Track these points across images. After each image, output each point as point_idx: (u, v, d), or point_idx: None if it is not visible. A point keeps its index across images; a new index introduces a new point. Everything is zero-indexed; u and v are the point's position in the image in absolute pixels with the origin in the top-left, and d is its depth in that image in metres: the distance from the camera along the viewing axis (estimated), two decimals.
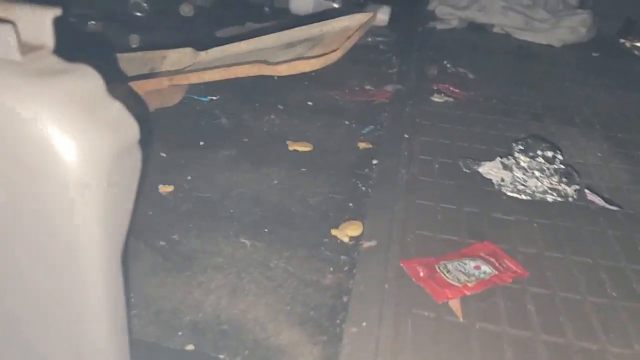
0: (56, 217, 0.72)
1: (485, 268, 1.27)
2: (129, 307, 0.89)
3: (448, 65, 2.71)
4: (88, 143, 0.69)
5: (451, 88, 2.46)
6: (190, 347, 1.01)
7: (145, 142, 0.78)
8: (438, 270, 1.25)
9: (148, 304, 1.07)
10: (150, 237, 1.25)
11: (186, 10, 3.30)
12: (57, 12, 0.74)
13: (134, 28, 2.86)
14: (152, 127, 1.59)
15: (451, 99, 2.35)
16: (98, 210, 0.73)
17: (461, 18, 3.60)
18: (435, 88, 2.44)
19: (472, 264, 1.28)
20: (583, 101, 2.41)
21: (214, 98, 2.10)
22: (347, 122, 2.03)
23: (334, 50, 1.20)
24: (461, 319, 1.12)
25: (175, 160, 1.63)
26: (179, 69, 1.50)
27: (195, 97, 2.09)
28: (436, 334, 1.08)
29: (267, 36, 1.51)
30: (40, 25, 0.73)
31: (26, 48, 0.70)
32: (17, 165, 0.70)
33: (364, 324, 1.07)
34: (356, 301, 1.13)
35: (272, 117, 2.00)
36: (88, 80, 0.72)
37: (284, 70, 1.21)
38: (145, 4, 3.25)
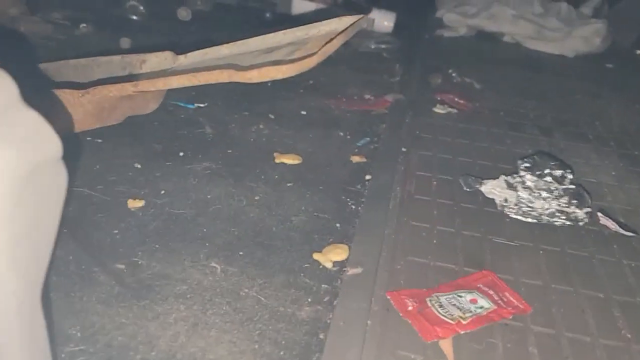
0: None
1: (482, 302, 1.13)
2: (53, 345, 0.77)
3: (453, 75, 2.58)
4: None
5: (455, 99, 2.32)
6: None
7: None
8: (429, 304, 1.11)
9: (96, 339, 0.94)
10: (108, 258, 1.12)
11: (184, 14, 3.20)
12: None
13: (128, 31, 2.76)
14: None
15: (455, 110, 2.22)
16: (9, 240, 0.61)
17: (470, 26, 3.47)
18: (438, 98, 2.31)
19: (469, 297, 1.14)
20: (596, 115, 2.27)
21: (201, 105, 1.98)
22: (341, 134, 1.90)
23: (311, 55, 1.08)
24: None
25: (149, 172, 1.51)
26: (147, 73, 1.38)
27: (181, 104, 1.97)
28: None
29: (251, 39, 1.39)
30: None
31: None
32: None
33: None
34: (333, 340, 0.99)
35: (261, 126, 1.87)
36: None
37: (254, 77, 1.09)
38: (142, 8, 3.16)
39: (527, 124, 2.15)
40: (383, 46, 3.09)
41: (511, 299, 1.16)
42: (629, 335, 1.09)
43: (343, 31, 1.18)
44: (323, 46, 1.09)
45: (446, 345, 1.01)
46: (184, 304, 1.05)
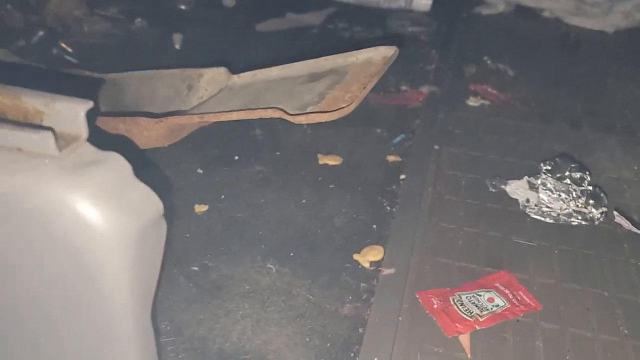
0: (93, 284, 0.83)
1: (498, 301, 1.31)
2: (159, 338, 1.00)
3: (488, 62, 2.66)
4: (116, 223, 0.79)
5: (488, 89, 2.43)
6: None
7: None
8: (452, 303, 1.30)
9: (181, 332, 1.19)
10: (184, 262, 1.36)
11: (228, 1, 3.36)
12: (89, 105, 0.83)
13: (178, 23, 2.95)
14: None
15: (487, 102, 2.33)
16: (130, 277, 0.84)
17: (508, 2, 3.49)
18: (472, 89, 2.42)
19: (487, 296, 1.33)
20: (627, 103, 2.33)
21: None
22: (378, 131, 2.07)
23: (349, 105, 1.24)
24: (469, 356, 1.18)
25: (210, 177, 1.73)
26: (205, 102, 1.58)
27: None
28: None
29: (296, 64, 1.55)
30: (75, 117, 0.82)
31: (63, 142, 0.80)
32: (62, 242, 0.80)
33: (376, 359, 1.15)
34: (370, 334, 1.21)
35: (305, 126, 2.06)
36: (117, 169, 0.82)
37: (302, 120, 1.27)
38: None
39: (557, 115, 2.24)
40: (420, 29, 3.17)
41: (524, 297, 1.34)
42: (626, 331, 1.26)
43: (376, 74, 1.33)
44: (359, 93, 1.26)
45: (465, 340, 1.21)
46: (248, 302, 1.29)
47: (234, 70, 1.97)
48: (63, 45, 2.51)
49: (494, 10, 3.56)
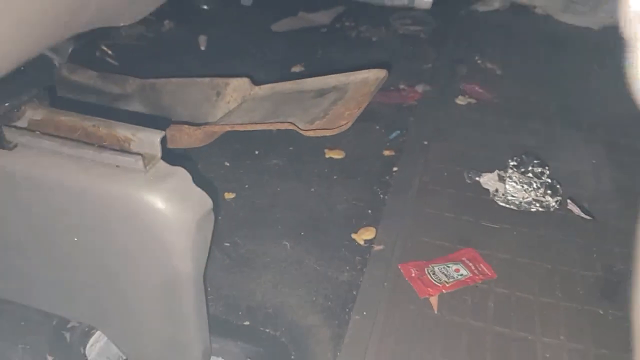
0: (167, 258, 1.20)
1: (463, 271, 1.68)
2: (207, 296, 1.38)
3: (479, 62, 2.97)
4: (183, 215, 1.16)
5: (476, 88, 2.74)
6: (246, 322, 1.51)
7: None
8: (426, 273, 1.67)
9: (219, 293, 1.57)
10: (219, 239, 1.74)
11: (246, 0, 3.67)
12: (162, 134, 1.19)
13: (201, 24, 3.28)
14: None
15: (474, 101, 2.65)
16: (191, 252, 1.21)
17: None
18: (462, 88, 2.74)
19: (454, 267, 1.69)
20: (598, 100, 2.63)
21: None
22: (377, 127, 2.41)
23: (347, 122, 1.59)
24: (436, 312, 1.56)
25: (236, 169, 2.10)
26: (228, 120, 1.93)
27: None
28: (415, 322, 1.52)
29: (307, 80, 1.91)
30: (153, 143, 1.18)
31: (146, 161, 1.16)
32: (146, 230, 1.17)
33: (365, 313, 1.53)
34: (362, 295, 1.59)
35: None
36: (182, 179, 1.17)
37: (310, 134, 1.63)
38: None
39: (534, 112, 2.56)
40: (419, 28, 3.46)
41: (484, 268, 1.70)
42: (560, 295, 1.62)
43: (368, 95, 1.67)
44: (355, 112, 1.60)
45: (434, 300, 1.58)
46: (268, 271, 1.67)
47: (254, 72, 2.32)
48: (104, 48, 2.86)
49: (490, 7, 3.83)
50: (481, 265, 1.71)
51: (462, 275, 1.67)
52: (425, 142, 2.29)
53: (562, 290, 1.64)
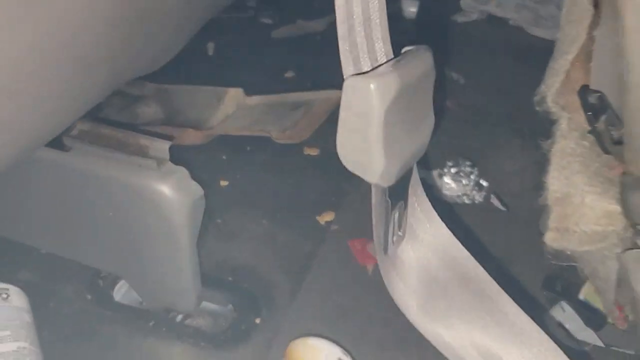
0: (171, 228, 1.73)
1: None
2: (200, 257, 1.90)
3: (445, 71, 3.42)
4: (182, 201, 1.68)
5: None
6: (230, 279, 2.04)
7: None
8: (368, 248, 2.19)
9: (211, 257, 2.07)
10: (213, 217, 2.26)
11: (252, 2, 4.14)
12: (170, 143, 1.71)
13: (209, 32, 3.76)
14: None
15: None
16: (188, 224, 1.73)
17: (482, 10, 4.18)
18: None
19: None
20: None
21: None
22: None
23: (306, 134, 2.11)
24: (370, 274, 2.07)
25: (230, 162, 2.60)
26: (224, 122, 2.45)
27: None
28: (354, 281, 2.04)
29: (288, 94, 2.42)
30: (164, 150, 1.70)
31: (159, 161, 1.69)
32: (155, 209, 1.70)
33: (318, 273, 2.05)
34: (317, 262, 2.11)
35: None
36: (183, 174, 1.69)
37: (280, 141, 2.15)
38: None
39: (485, 120, 3.02)
40: (404, 37, 3.88)
41: None
42: None
43: (328, 110, 2.17)
44: (315, 126, 2.12)
45: (370, 267, 2.09)
46: (250, 242, 2.17)
47: (251, 77, 2.82)
48: None
49: (468, 18, 4.25)
50: None
51: None
52: None
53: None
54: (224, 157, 2.74)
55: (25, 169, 1.67)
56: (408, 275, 0.96)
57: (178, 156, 1.67)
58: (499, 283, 0.98)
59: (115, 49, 1.33)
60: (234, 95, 2.56)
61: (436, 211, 2.51)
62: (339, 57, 0.97)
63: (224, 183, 2.52)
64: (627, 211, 0.84)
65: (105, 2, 1.02)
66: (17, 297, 1.41)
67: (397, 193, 1.02)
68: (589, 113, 0.96)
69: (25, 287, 1.64)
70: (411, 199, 0.98)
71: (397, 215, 1.02)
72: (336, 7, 0.84)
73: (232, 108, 2.53)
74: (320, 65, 3.61)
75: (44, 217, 1.65)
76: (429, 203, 1.02)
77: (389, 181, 0.99)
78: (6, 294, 1.37)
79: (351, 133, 0.90)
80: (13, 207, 1.55)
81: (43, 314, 1.70)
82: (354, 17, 0.85)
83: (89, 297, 1.89)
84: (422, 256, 0.98)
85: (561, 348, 0.94)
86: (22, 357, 1.25)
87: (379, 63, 0.90)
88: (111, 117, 2.60)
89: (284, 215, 2.40)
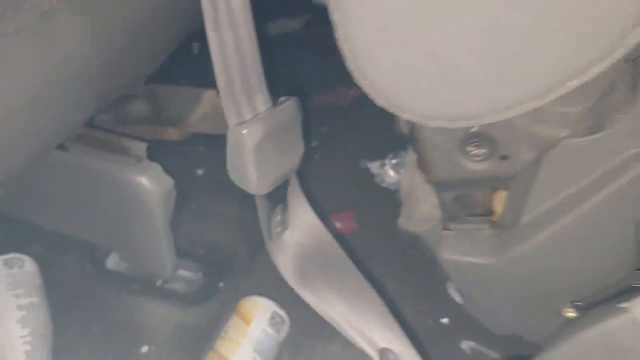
0: (148, 212, 2.01)
1: (339, 225, 2.63)
2: (175, 234, 2.27)
3: None
4: (156, 190, 1.84)
5: None
6: (201, 251, 2.45)
7: None
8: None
9: (187, 235, 2.32)
10: (189, 201, 2.70)
11: None
12: (147, 144, 2.13)
13: (194, 34, 4.13)
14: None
15: None
16: (162, 210, 2.12)
17: None
18: None
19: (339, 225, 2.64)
20: None
21: None
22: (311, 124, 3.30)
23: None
24: None
25: (206, 153, 2.93)
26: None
27: None
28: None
29: None
30: (142, 150, 2.05)
31: (138, 158, 2.08)
32: (134, 197, 1.82)
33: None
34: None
35: None
36: (156, 169, 1.99)
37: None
38: None
39: None
40: None
41: (352, 222, 2.64)
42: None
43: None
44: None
45: None
46: (221, 222, 2.51)
47: None
48: None
49: None
50: (350, 219, 2.66)
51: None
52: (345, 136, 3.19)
53: None
54: (201, 149, 3.09)
55: (35, 165, 2.09)
56: (287, 253, 1.32)
57: (160, 149, 1.97)
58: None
59: (103, 72, 1.46)
60: (210, 96, 2.98)
61: (378, 198, 2.94)
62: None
63: (200, 172, 2.93)
64: (441, 205, 1.30)
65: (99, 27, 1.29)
66: (29, 265, 1.71)
67: (281, 196, 1.34)
68: None
69: (36, 258, 1.73)
70: (291, 200, 1.35)
71: (280, 211, 1.33)
72: (212, 57, 1.01)
73: (208, 108, 2.96)
74: (295, 63, 4.02)
75: (50, 202, 2.03)
76: (306, 200, 1.39)
77: (262, 191, 1.33)
78: (21, 262, 1.83)
79: (235, 159, 1.25)
80: (25, 194, 1.97)
81: (50, 278, 1.74)
82: (232, 71, 1.05)
83: (87, 265, 2.29)
84: (297, 239, 1.33)
85: None
86: (34, 309, 1.55)
87: (258, 112, 1.11)
88: (103, 113, 2.97)
89: (250, 201, 2.78)
